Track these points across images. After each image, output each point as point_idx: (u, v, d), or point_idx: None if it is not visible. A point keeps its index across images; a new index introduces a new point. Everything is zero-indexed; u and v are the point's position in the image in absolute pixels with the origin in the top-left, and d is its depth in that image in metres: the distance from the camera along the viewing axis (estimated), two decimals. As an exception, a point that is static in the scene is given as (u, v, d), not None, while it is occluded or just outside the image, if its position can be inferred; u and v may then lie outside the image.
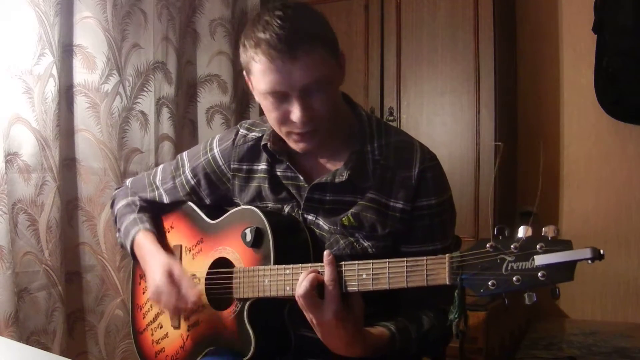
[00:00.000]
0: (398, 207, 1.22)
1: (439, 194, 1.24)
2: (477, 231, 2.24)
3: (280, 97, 1.14)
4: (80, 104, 1.99)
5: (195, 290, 1.29)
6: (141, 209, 1.47)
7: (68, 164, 1.98)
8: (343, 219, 1.23)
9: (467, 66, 2.29)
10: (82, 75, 1.98)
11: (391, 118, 2.40)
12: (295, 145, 1.23)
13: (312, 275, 1.09)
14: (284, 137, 1.24)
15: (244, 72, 1.22)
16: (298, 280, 1.11)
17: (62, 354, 1.83)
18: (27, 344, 1.69)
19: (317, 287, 1.10)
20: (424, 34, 2.37)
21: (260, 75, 1.14)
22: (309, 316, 1.11)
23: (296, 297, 1.10)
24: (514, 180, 2.62)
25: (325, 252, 1.11)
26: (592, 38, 2.41)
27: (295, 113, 1.14)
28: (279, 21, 1.08)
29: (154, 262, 1.35)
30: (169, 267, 1.31)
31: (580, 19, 2.50)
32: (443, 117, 2.35)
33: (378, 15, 2.45)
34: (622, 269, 2.44)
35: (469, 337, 2.03)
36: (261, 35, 1.10)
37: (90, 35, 1.99)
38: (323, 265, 1.10)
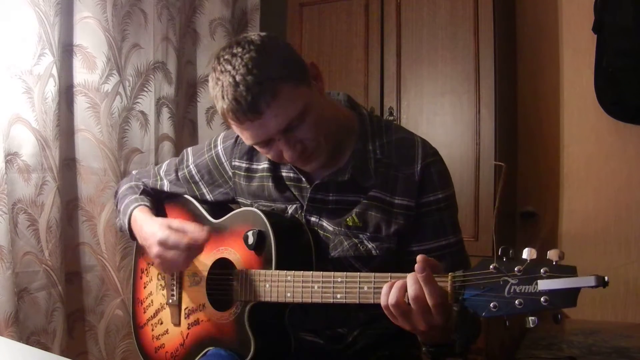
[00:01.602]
0: (402, 204, 1.22)
1: (444, 188, 1.24)
2: (477, 231, 2.24)
3: (266, 142, 1.16)
4: (80, 104, 1.99)
5: (203, 226, 1.25)
6: (144, 192, 1.47)
7: (68, 164, 1.98)
8: (347, 219, 1.23)
9: (467, 66, 2.28)
10: (82, 75, 1.98)
11: (391, 118, 2.40)
12: (304, 169, 1.24)
13: (400, 282, 1.02)
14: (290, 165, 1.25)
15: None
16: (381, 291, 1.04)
17: (62, 354, 1.83)
18: (27, 344, 1.69)
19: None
20: (424, 34, 2.37)
21: (238, 132, 1.17)
22: (399, 324, 1.04)
23: (383, 306, 1.04)
24: (514, 180, 2.62)
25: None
26: (592, 38, 2.41)
27: (287, 153, 1.15)
28: (231, 80, 1.08)
29: (149, 225, 1.32)
30: (167, 222, 1.29)
31: (580, 19, 2.50)
32: (443, 117, 2.35)
33: (378, 15, 2.44)
34: (622, 269, 2.43)
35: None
36: (222, 102, 1.10)
37: (90, 35, 1.99)
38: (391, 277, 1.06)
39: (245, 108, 1.08)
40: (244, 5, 2.63)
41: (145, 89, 2.20)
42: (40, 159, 1.82)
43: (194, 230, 1.24)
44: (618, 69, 2.31)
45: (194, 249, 1.24)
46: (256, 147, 1.20)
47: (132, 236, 1.42)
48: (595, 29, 2.39)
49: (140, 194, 1.46)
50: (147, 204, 1.42)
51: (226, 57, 1.10)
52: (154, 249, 1.26)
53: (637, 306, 2.43)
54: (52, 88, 1.84)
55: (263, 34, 1.15)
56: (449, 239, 1.24)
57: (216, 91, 1.11)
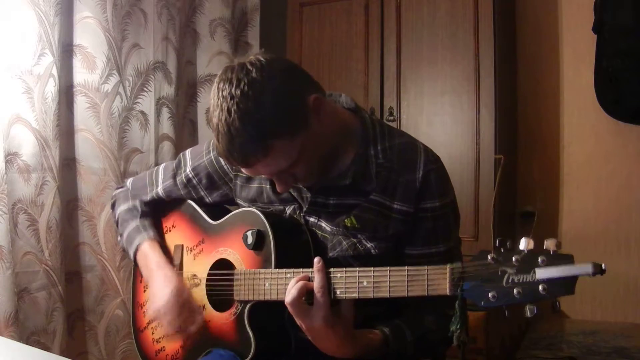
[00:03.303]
0: (401, 209, 1.22)
1: (442, 196, 1.24)
2: (477, 231, 2.24)
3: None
4: (80, 104, 1.99)
5: (199, 317, 1.30)
6: (143, 214, 1.47)
7: (68, 164, 1.98)
8: (345, 220, 1.23)
9: (467, 66, 2.28)
10: (82, 75, 1.98)
11: (391, 118, 2.40)
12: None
13: (301, 283, 1.11)
14: None
15: None
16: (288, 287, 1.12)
17: (62, 354, 1.83)
18: (27, 344, 1.69)
19: (306, 294, 1.11)
20: (424, 34, 2.37)
21: None
22: (298, 322, 1.12)
23: (286, 304, 1.11)
24: (514, 180, 2.62)
25: (316, 259, 1.12)
26: (592, 38, 2.41)
27: (278, 185, 1.19)
28: (226, 129, 1.07)
29: (160, 276, 1.35)
30: (178, 287, 1.32)
31: (580, 19, 2.50)
32: (443, 118, 2.35)
33: (378, 15, 2.44)
34: (622, 269, 2.43)
35: (470, 342, 2.03)
36: (215, 141, 1.12)
37: (90, 35, 1.99)
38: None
39: (238, 159, 1.11)
40: (244, 5, 2.63)
41: (145, 89, 2.20)
42: (40, 159, 1.82)
43: (197, 317, 1.30)
44: (618, 69, 2.31)
45: (182, 333, 1.31)
46: None
47: (136, 263, 1.45)
48: (595, 29, 2.39)
49: (141, 217, 1.47)
50: (152, 234, 1.43)
51: (224, 94, 1.08)
52: (154, 305, 1.31)
53: (637, 306, 2.43)
54: (52, 88, 1.84)
55: (265, 67, 1.11)
56: (438, 248, 1.24)
57: (212, 124, 1.12)
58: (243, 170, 1.19)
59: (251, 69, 1.09)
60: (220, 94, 1.10)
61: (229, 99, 1.07)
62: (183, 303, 1.30)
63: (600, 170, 2.52)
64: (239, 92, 1.07)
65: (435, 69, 2.35)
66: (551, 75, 2.60)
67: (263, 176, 1.31)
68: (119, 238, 1.52)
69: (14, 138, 1.77)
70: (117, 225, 1.53)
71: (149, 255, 1.40)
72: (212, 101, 1.12)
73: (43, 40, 1.82)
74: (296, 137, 1.11)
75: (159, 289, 1.33)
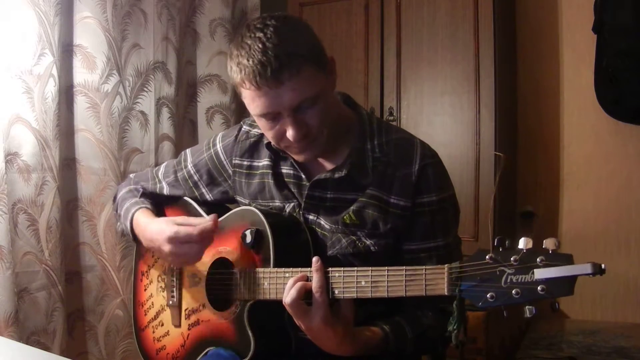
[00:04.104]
0: (399, 204, 1.22)
1: (439, 190, 1.24)
2: (477, 231, 2.24)
3: (273, 117, 1.16)
4: (80, 104, 1.99)
5: (210, 216, 1.26)
6: (143, 195, 1.48)
7: (68, 164, 1.98)
8: (345, 217, 1.23)
9: (467, 66, 2.29)
10: (82, 75, 1.98)
11: (391, 118, 2.40)
12: (297, 157, 1.25)
13: (299, 284, 1.11)
14: (284, 150, 1.25)
15: (235, 89, 1.22)
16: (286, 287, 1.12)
17: (62, 354, 1.83)
18: (27, 344, 1.69)
19: (305, 294, 1.11)
20: (424, 34, 2.37)
21: (249, 100, 1.16)
22: (297, 322, 1.12)
23: (284, 304, 1.12)
24: (514, 180, 2.62)
25: (314, 259, 1.12)
26: (592, 38, 2.41)
27: (290, 131, 1.15)
28: (260, 45, 1.09)
29: (154, 225, 1.33)
30: (172, 219, 1.31)
31: (580, 19, 2.50)
32: (443, 117, 2.35)
33: (378, 15, 2.44)
34: (622, 269, 2.43)
35: (469, 342, 2.03)
36: (245, 62, 1.10)
37: (90, 35, 1.99)
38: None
39: (268, 74, 1.08)
40: (244, 5, 2.63)
41: (145, 89, 2.20)
42: (40, 159, 1.82)
43: (202, 221, 1.26)
44: (618, 69, 2.31)
45: (206, 238, 1.25)
46: (261, 120, 1.19)
47: (136, 239, 1.42)
48: (595, 29, 2.39)
49: (140, 196, 1.46)
50: (148, 206, 1.43)
51: (258, 25, 1.12)
52: (165, 247, 1.26)
53: (637, 306, 2.43)
54: (52, 88, 1.84)
55: (295, 16, 1.19)
56: (437, 242, 1.24)
57: (241, 54, 1.11)
58: (264, 97, 1.12)
59: (283, 13, 1.17)
60: (251, 27, 1.12)
61: (263, 27, 1.11)
62: (184, 222, 1.28)
63: (600, 170, 2.52)
64: (274, 21, 1.12)
65: (435, 69, 2.35)
66: (551, 75, 2.60)
67: (265, 171, 1.31)
68: (117, 223, 1.51)
69: (14, 138, 1.77)
70: (116, 210, 1.51)
71: (142, 219, 1.38)
72: (239, 40, 1.13)
73: (43, 40, 1.82)
74: (321, 72, 1.15)
75: (159, 234, 1.28)
